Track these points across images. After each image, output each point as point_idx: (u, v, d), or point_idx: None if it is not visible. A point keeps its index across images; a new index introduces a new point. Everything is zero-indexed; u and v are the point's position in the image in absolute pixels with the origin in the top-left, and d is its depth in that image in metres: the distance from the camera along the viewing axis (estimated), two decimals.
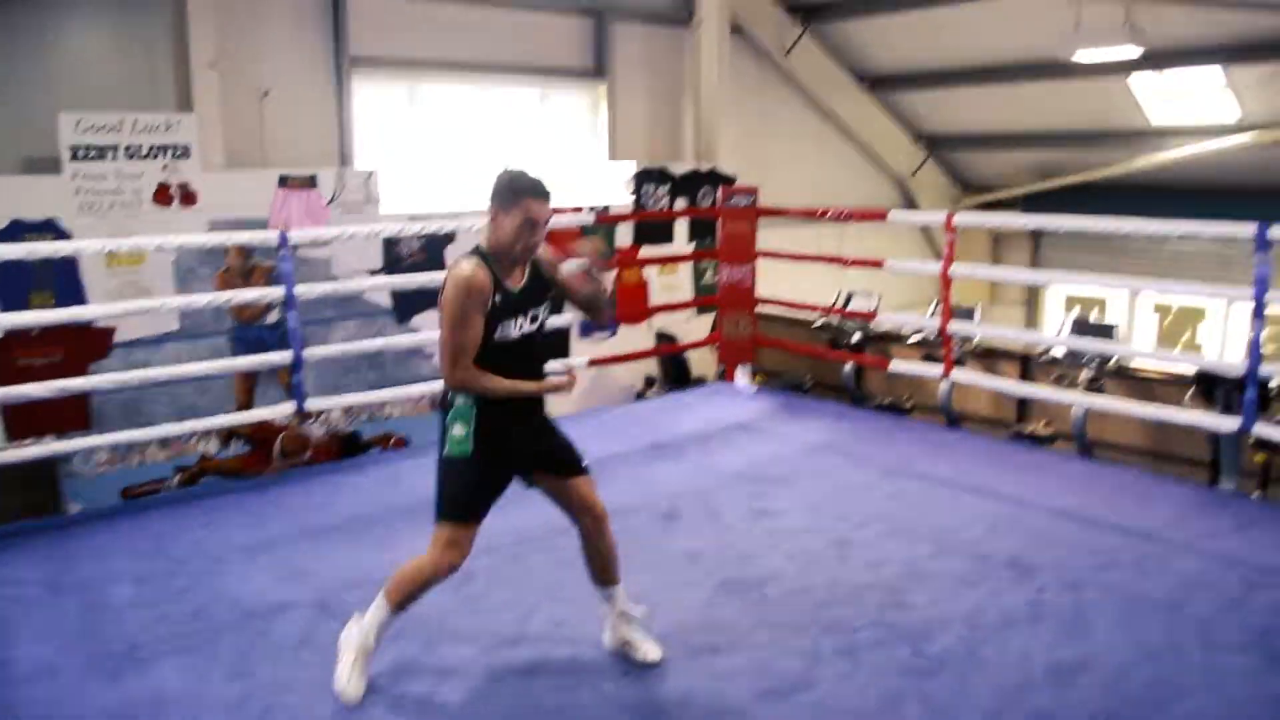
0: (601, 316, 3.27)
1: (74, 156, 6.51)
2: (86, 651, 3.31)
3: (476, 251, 2.94)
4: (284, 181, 7.30)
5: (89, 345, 6.52)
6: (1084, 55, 9.01)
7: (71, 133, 6.49)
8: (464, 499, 2.96)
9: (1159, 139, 10.33)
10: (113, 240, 4.92)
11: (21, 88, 6.90)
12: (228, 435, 7.07)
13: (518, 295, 2.98)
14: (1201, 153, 9.96)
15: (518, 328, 2.97)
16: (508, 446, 3.00)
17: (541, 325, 3.07)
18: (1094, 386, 6.48)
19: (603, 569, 3.18)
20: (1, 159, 6.88)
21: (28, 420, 6.21)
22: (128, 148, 6.68)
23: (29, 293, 6.31)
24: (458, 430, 2.94)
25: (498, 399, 2.94)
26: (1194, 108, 9.93)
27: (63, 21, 7.09)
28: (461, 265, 2.88)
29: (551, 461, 3.13)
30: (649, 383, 9.04)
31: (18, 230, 6.27)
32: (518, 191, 2.90)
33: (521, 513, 3.58)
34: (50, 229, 6.39)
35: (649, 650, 3.21)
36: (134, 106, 7.02)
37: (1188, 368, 5.75)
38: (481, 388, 2.90)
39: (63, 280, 6.43)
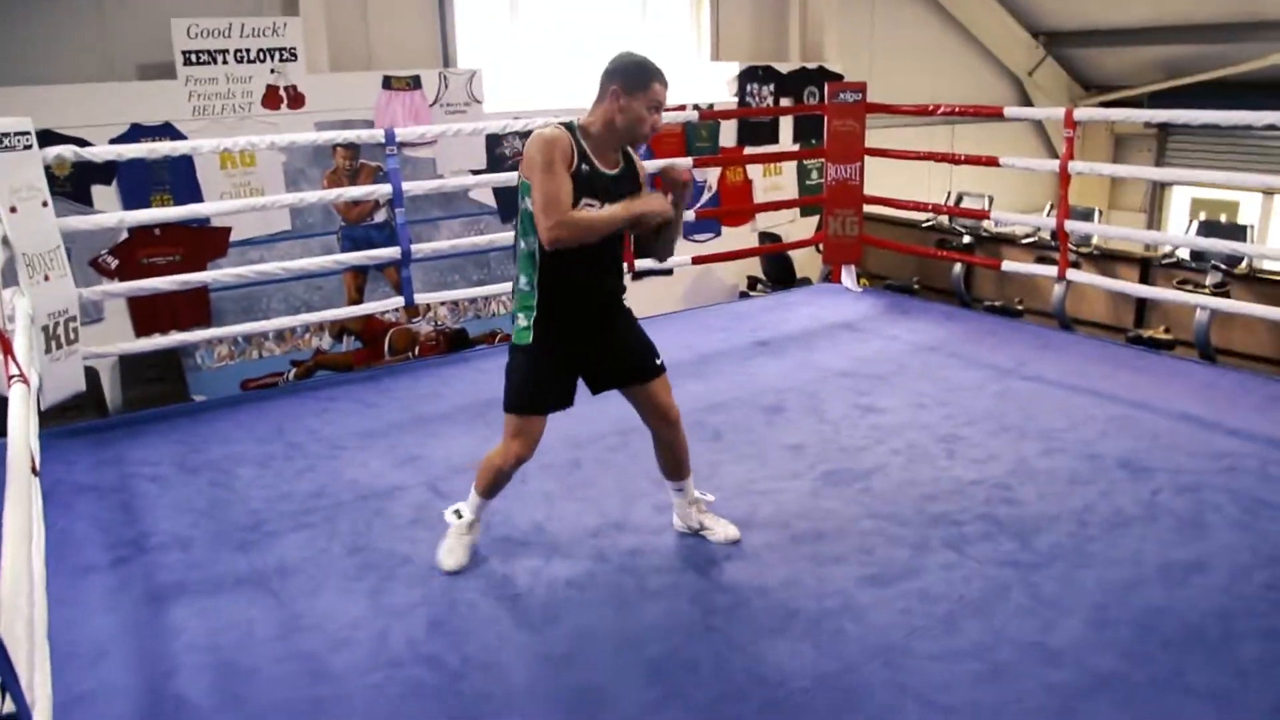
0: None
1: (186, 62, 6.64)
2: (216, 525, 3.49)
3: (565, 123, 2.90)
4: (388, 83, 7.34)
5: (207, 244, 6.75)
6: None
7: (183, 38, 6.61)
8: (526, 391, 2.99)
9: None
10: (226, 139, 5.05)
11: None
12: (339, 331, 7.28)
13: (609, 179, 2.94)
14: None
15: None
16: (569, 337, 2.99)
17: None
18: (1220, 290, 6.18)
19: (674, 468, 3.26)
20: (119, 66, 7.06)
21: (152, 317, 6.50)
22: (237, 52, 6.78)
23: (150, 194, 6.54)
24: (520, 320, 2.97)
25: (565, 285, 2.91)
26: None
27: None
28: (544, 128, 2.87)
29: (622, 362, 3.11)
30: (752, 283, 8.97)
31: (137, 134, 6.46)
32: (648, 73, 2.88)
33: (627, 402, 3.61)
34: (167, 132, 6.57)
35: (728, 531, 3.29)
36: (241, 11, 7.11)
37: None
38: (585, 227, 2.82)
39: (181, 182, 6.63)
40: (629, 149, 3.02)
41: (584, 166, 2.87)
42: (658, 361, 3.14)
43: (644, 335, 3.16)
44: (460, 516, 3.15)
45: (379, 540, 3.34)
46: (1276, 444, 4.00)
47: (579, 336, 3.01)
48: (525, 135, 7.35)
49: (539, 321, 2.94)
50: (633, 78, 2.87)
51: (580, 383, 3.12)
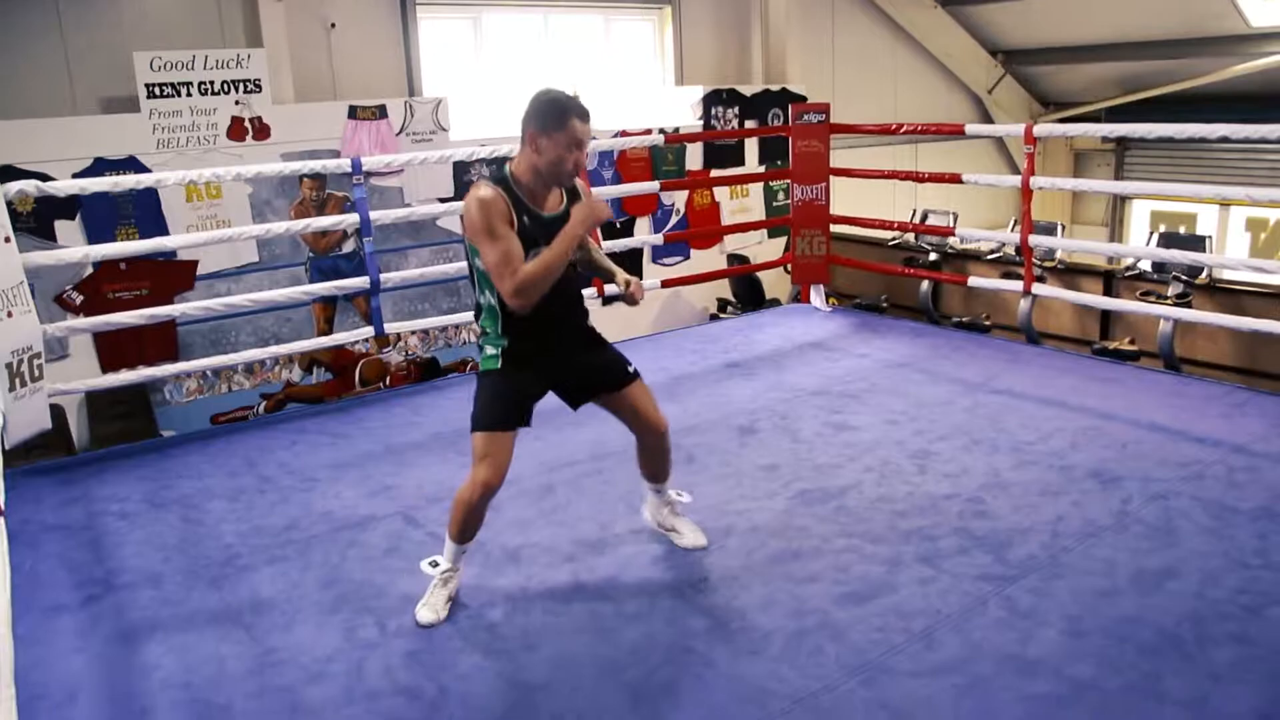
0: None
1: (150, 94, 6.61)
2: (187, 561, 3.45)
3: (497, 177, 2.92)
4: (354, 113, 7.34)
5: (174, 277, 6.70)
6: None
7: (147, 71, 6.58)
8: (495, 407, 2.96)
9: (1259, 43, 9.77)
10: (192, 171, 5.01)
11: (96, 30, 7.00)
12: (309, 364, 7.23)
13: (552, 220, 2.94)
14: None
15: None
16: (538, 359, 3.03)
17: (577, 256, 3.08)
18: (1182, 301, 6.28)
19: (657, 472, 3.34)
20: (82, 100, 7.02)
21: (119, 352, 6.43)
22: (201, 84, 6.76)
23: (115, 228, 6.48)
24: (489, 349, 3.00)
25: (530, 320, 2.92)
26: None
27: None
28: (477, 189, 2.87)
29: (593, 374, 3.14)
30: (722, 305, 9.00)
31: (101, 168, 6.41)
32: (564, 111, 2.86)
33: (601, 426, 3.62)
34: (131, 166, 6.52)
35: (696, 537, 3.39)
36: (204, 43, 7.09)
37: None
38: (542, 276, 2.83)
39: (146, 216, 6.58)
40: (572, 184, 3.03)
41: (524, 219, 2.88)
42: (630, 369, 3.18)
43: (614, 350, 3.21)
44: (436, 566, 3.10)
45: (353, 572, 3.31)
46: (1242, 451, 4.06)
47: (546, 363, 3.05)
48: (493, 162, 7.45)
49: (507, 352, 2.98)
50: (548, 118, 2.86)
51: (562, 404, 3.19)
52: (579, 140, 2.88)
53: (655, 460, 3.30)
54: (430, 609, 3.00)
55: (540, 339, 3.01)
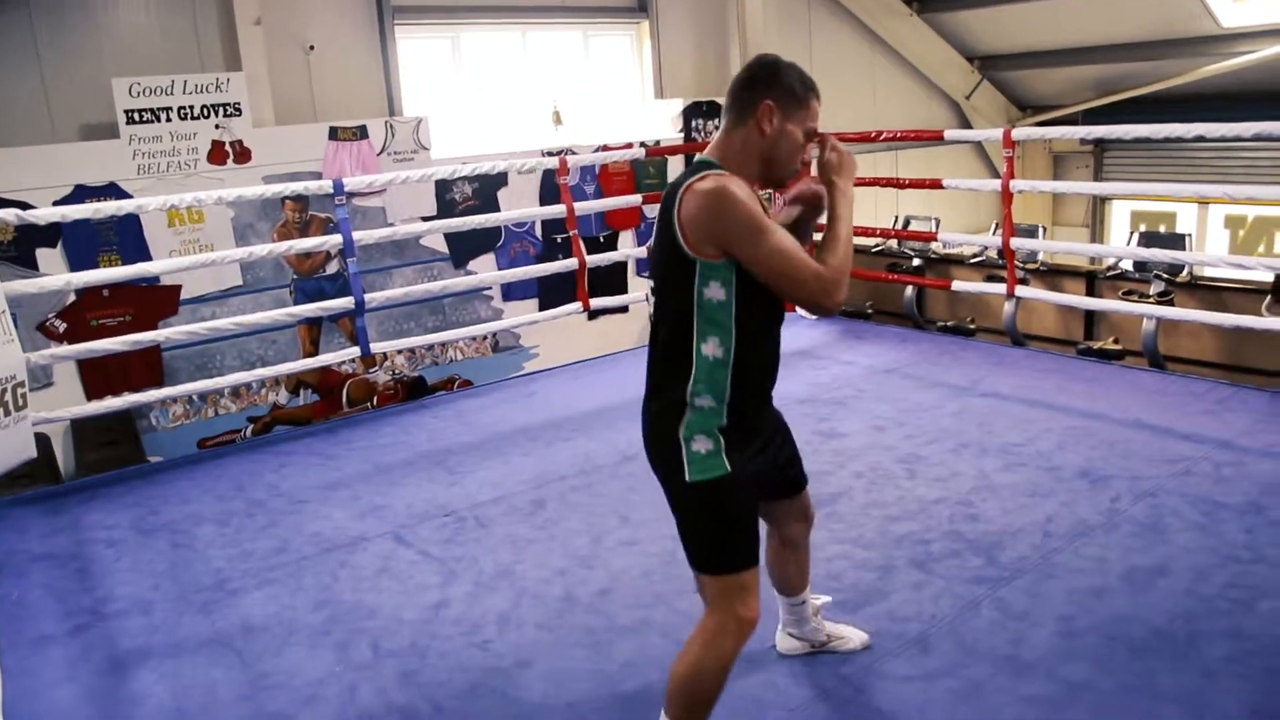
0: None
1: (129, 120, 6.59)
2: (176, 587, 3.43)
3: (710, 165, 2.12)
4: (334, 134, 7.34)
5: (158, 303, 6.67)
6: None
7: (126, 97, 6.56)
8: (744, 535, 2.17)
9: (1229, 44, 9.89)
10: (173, 195, 5.01)
11: (74, 57, 6.98)
12: (296, 385, 7.21)
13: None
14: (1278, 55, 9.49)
15: None
16: (757, 452, 2.25)
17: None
18: (1164, 299, 6.32)
19: (802, 574, 2.69)
20: (61, 127, 6.99)
21: (104, 379, 6.38)
22: (180, 109, 6.74)
23: (97, 255, 6.45)
24: (701, 445, 2.13)
25: (751, 388, 2.20)
26: (1270, 6, 9.43)
27: None
28: (705, 180, 2.05)
29: (787, 470, 2.46)
30: None
31: (81, 195, 6.38)
32: (809, 87, 2.15)
33: (588, 440, 3.62)
34: (112, 192, 6.49)
35: (857, 636, 2.80)
36: (182, 68, 7.08)
37: (1264, 275, 5.55)
38: (847, 260, 2.16)
39: (128, 242, 6.54)
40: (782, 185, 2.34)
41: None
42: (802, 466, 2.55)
43: (791, 435, 2.51)
44: None
45: (345, 593, 3.30)
46: (1228, 446, 4.09)
47: (761, 449, 2.29)
48: (474, 180, 7.45)
49: (731, 443, 2.15)
50: (793, 93, 2.14)
51: None
52: (814, 128, 2.19)
53: (804, 558, 2.65)
54: None
55: (758, 407, 2.25)
